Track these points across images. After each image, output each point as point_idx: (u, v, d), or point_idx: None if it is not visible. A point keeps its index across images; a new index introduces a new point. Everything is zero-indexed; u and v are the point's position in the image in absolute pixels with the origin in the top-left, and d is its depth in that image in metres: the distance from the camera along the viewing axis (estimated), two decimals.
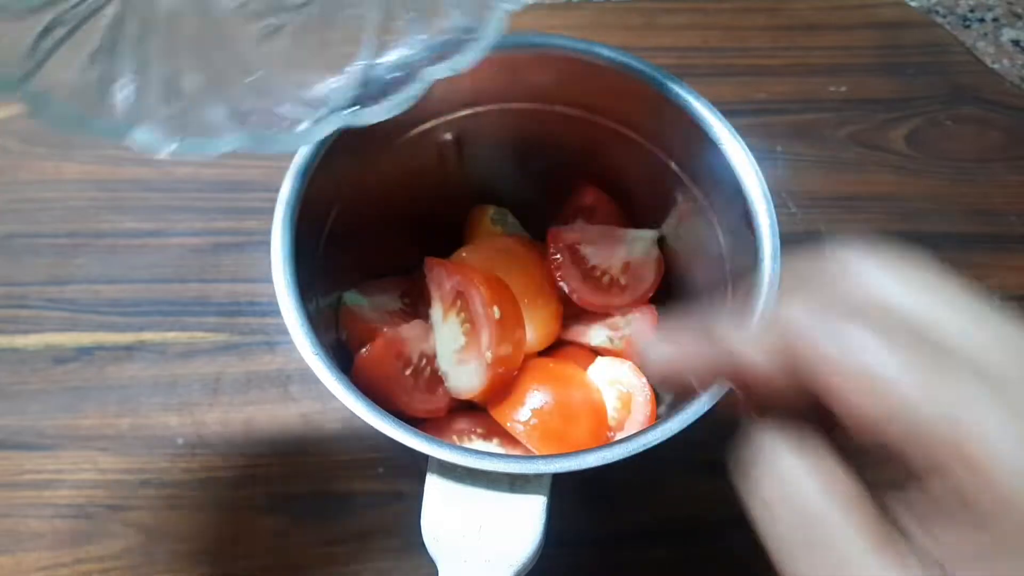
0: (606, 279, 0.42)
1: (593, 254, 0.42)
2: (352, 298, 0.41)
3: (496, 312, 0.37)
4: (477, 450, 0.31)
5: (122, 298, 0.51)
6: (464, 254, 0.42)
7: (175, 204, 0.54)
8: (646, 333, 0.42)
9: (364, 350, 0.39)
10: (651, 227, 0.43)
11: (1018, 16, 0.68)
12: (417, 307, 0.43)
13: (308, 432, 0.48)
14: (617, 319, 0.43)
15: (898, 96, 0.60)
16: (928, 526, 0.18)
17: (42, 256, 0.52)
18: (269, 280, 0.32)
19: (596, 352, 0.43)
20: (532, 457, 0.31)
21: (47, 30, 0.22)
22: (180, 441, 0.47)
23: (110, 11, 0.22)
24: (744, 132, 0.35)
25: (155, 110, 0.21)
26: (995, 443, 0.16)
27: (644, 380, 0.40)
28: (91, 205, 0.54)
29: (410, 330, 0.39)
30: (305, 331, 0.32)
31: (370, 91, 0.22)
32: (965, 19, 0.68)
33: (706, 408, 0.31)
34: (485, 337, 0.37)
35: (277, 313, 0.32)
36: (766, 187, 0.34)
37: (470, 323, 0.38)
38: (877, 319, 0.18)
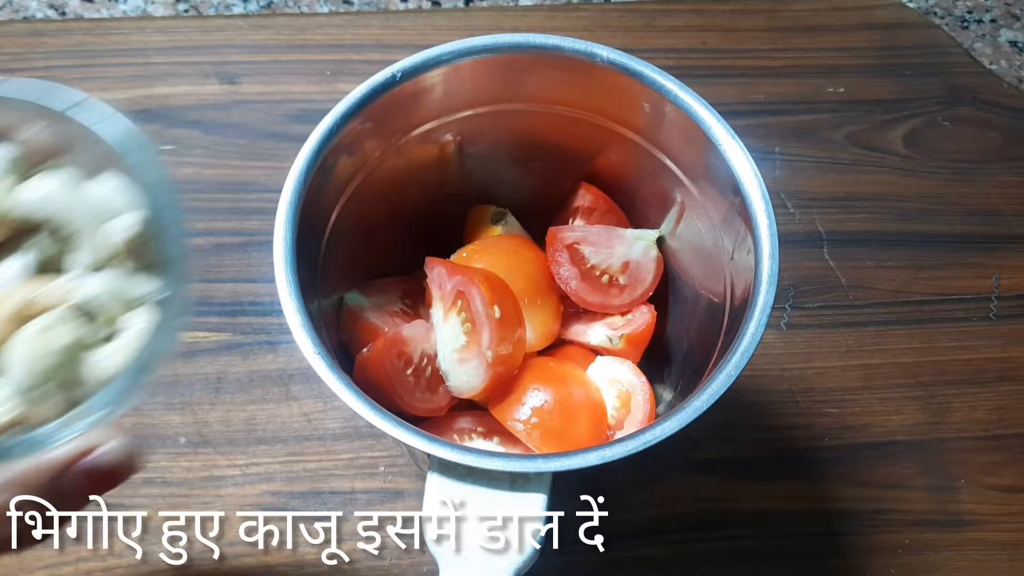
0: (605, 279, 0.43)
1: (593, 254, 0.43)
2: (353, 298, 0.41)
3: (496, 312, 0.37)
4: (478, 449, 0.31)
5: None
6: (464, 254, 0.42)
7: None
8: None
9: (365, 350, 0.39)
10: (650, 227, 0.44)
11: (1016, 17, 0.69)
12: (418, 307, 0.43)
13: (309, 431, 0.48)
14: (616, 318, 0.43)
15: (896, 97, 0.60)
16: None
17: None
18: (271, 280, 0.33)
19: (596, 351, 0.43)
20: (532, 456, 0.31)
21: None
22: (182, 440, 0.47)
23: None
24: (743, 133, 0.36)
25: None
26: None
27: (643, 379, 0.41)
28: None
29: (411, 330, 0.40)
30: (307, 331, 0.32)
31: None
32: (963, 20, 0.69)
33: (705, 408, 0.31)
34: (486, 336, 0.37)
35: (279, 313, 0.32)
36: (764, 187, 0.35)
37: (471, 323, 0.38)
38: None
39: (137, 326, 0.22)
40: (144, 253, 0.23)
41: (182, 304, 0.22)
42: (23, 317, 0.22)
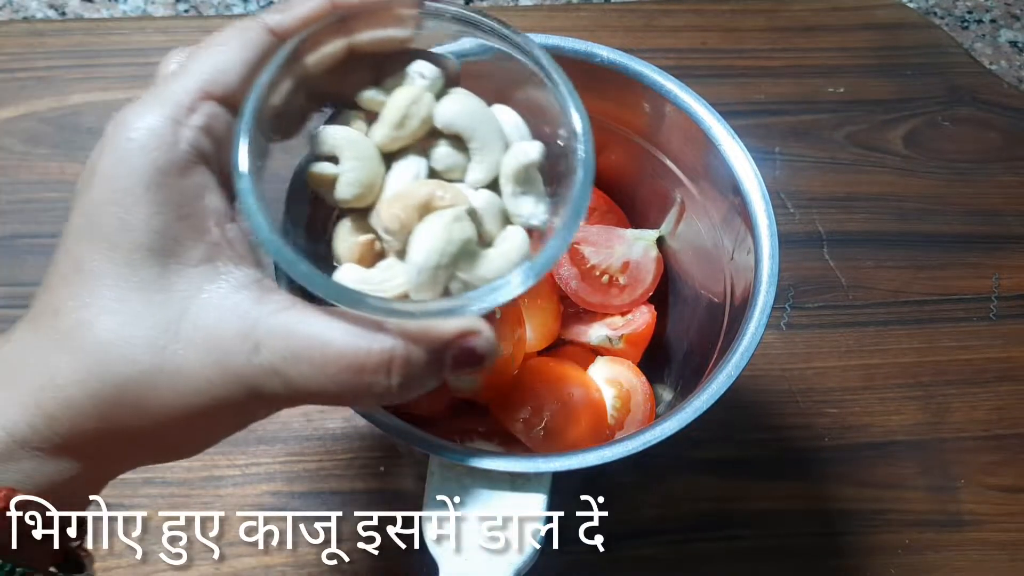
0: (605, 279, 0.43)
1: (593, 254, 0.43)
2: None
3: (496, 312, 0.37)
4: (478, 449, 0.31)
5: None
6: None
7: None
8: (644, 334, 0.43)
9: None
10: (650, 227, 0.44)
11: (1016, 17, 0.69)
12: None
13: (309, 431, 0.48)
14: (616, 318, 0.43)
15: (896, 97, 0.60)
16: None
17: (45, 256, 0.52)
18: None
19: (596, 351, 0.43)
20: (532, 456, 0.31)
21: None
22: None
23: None
24: (743, 133, 0.36)
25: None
26: None
27: (643, 379, 0.41)
28: None
29: None
30: None
31: None
32: (963, 20, 0.69)
33: (705, 408, 0.31)
34: None
35: None
36: (764, 187, 0.35)
37: None
38: None
39: (513, 242, 0.25)
40: (533, 181, 0.26)
41: (563, 238, 0.24)
42: (425, 209, 0.25)
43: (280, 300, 0.23)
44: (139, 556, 0.44)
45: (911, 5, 0.67)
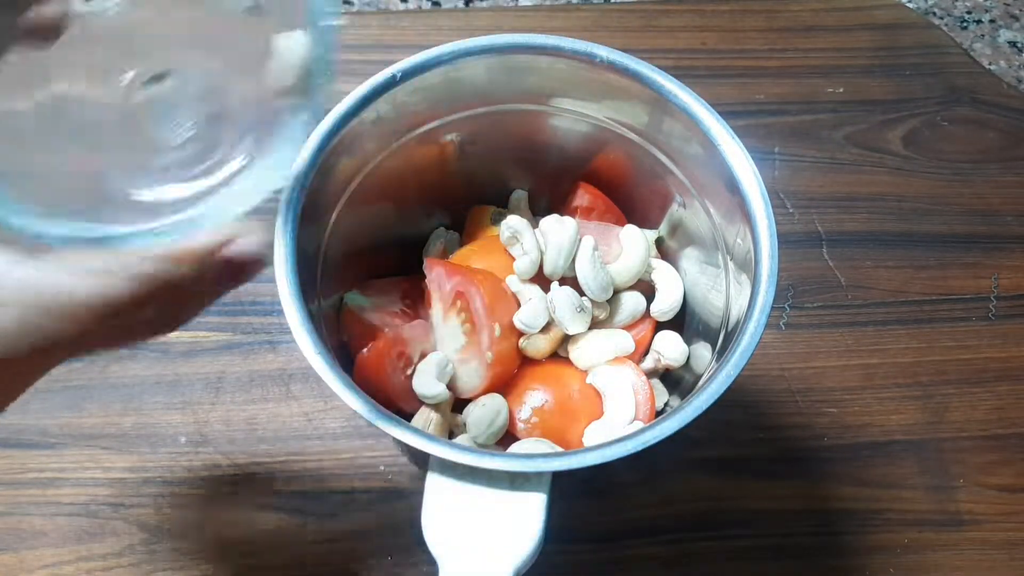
0: None
1: None
2: (353, 298, 0.41)
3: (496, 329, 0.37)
4: (478, 448, 0.31)
5: None
6: (464, 254, 0.42)
7: None
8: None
9: (365, 350, 0.39)
10: (650, 227, 0.44)
11: (1015, 17, 0.69)
12: (418, 307, 0.43)
13: (310, 431, 0.48)
14: None
15: (895, 97, 0.60)
16: None
17: None
18: (271, 280, 0.33)
19: None
20: (532, 455, 0.31)
21: None
22: (183, 439, 0.47)
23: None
24: (742, 133, 0.36)
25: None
26: None
27: (644, 379, 0.41)
28: None
29: (411, 330, 0.40)
30: (307, 331, 0.32)
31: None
32: (962, 20, 0.69)
33: (705, 407, 0.31)
34: (485, 337, 0.37)
35: (279, 313, 0.32)
36: (764, 187, 0.35)
37: (470, 323, 0.38)
38: None
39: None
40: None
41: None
42: None
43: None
44: (141, 555, 0.44)
45: (910, 5, 0.67)
